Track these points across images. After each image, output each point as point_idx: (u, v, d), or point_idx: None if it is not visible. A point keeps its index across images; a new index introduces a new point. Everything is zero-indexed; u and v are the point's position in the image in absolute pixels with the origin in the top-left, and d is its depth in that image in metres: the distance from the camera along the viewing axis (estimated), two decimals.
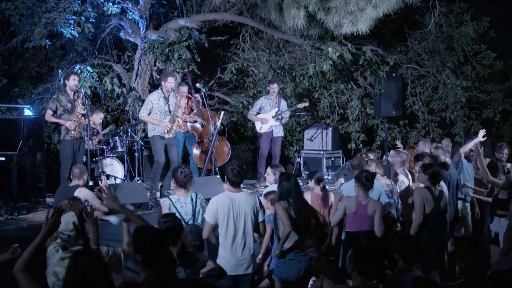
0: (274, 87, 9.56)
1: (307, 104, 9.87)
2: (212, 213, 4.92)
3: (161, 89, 8.33)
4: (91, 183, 7.28)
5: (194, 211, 5.33)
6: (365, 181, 5.69)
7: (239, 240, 4.89)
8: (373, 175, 5.92)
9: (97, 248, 3.72)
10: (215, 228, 5.04)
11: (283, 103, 9.71)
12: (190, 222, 5.28)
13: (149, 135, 8.45)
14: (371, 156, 7.80)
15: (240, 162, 5.41)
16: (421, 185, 6.24)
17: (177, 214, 5.15)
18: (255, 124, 9.71)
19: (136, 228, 3.69)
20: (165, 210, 5.25)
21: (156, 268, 3.52)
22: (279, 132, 9.60)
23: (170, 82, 8.26)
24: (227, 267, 4.87)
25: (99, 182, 6.78)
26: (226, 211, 4.88)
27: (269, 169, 6.60)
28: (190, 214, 5.30)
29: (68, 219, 4.09)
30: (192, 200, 5.36)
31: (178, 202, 5.30)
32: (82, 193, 6.17)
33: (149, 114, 8.22)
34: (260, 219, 5.05)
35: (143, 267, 3.53)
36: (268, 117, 9.51)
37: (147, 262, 3.51)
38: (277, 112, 9.50)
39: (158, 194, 8.37)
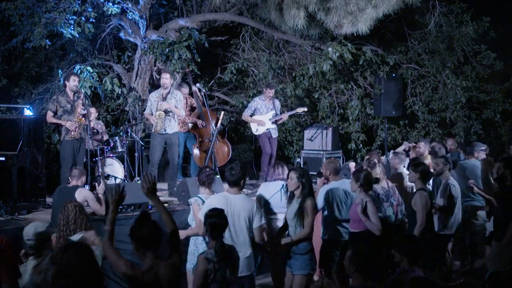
0: (272, 93, 9.53)
1: (305, 109, 9.90)
2: (204, 212, 4.89)
3: (161, 86, 8.49)
4: (87, 187, 7.27)
5: None
6: (363, 181, 5.71)
7: (231, 241, 4.80)
8: (367, 172, 5.92)
9: (111, 229, 3.76)
10: None
11: (277, 103, 9.71)
12: None
13: (151, 132, 8.62)
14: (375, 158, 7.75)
15: (241, 162, 5.35)
16: (412, 184, 6.27)
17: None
18: (251, 126, 9.62)
19: (136, 219, 3.73)
20: (196, 208, 5.30)
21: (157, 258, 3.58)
22: (275, 133, 9.62)
23: (163, 78, 8.41)
24: None
25: (96, 185, 6.76)
26: None
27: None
28: None
29: (33, 226, 4.25)
30: None
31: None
32: (82, 193, 6.17)
33: (152, 112, 8.38)
34: (256, 224, 4.88)
35: (142, 256, 3.57)
36: (265, 119, 9.46)
37: (141, 250, 3.57)
38: (273, 115, 9.49)
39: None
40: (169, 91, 8.38)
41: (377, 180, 6.21)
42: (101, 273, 3.26)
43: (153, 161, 8.39)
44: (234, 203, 4.87)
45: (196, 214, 5.22)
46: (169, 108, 8.25)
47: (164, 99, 8.30)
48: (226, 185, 8.29)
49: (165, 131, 8.30)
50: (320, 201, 6.05)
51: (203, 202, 5.29)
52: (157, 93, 8.45)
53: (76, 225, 4.61)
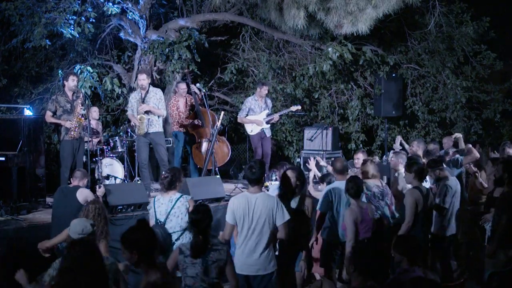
0: (267, 90, 9.54)
1: (299, 107, 9.90)
2: (229, 213, 4.89)
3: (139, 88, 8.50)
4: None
5: (168, 212, 5.42)
6: (352, 190, 5.66)
7: (253, 241, 4.81)
8: (359, 182, 5.81)
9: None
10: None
11: (269, 102, 9.71)
12: (160, 222, 5.40)
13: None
14: (362, 156, 7.75)
15: (260, 160, 5.35)
16: (409, 185, 6.24)
17: (152, 213, 5.46)
18: (246, 127, 9.55)
19: (128, 229, 3.69)
20: (149, 207, 5.59)
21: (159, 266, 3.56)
22: (269, 133, 9.60)
23: (139, 79, 8.40)
24: (241, 266, 4.80)
25: (97, 188, 6.75)
26: (242, 212, 4.82)
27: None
28: (164, 215, 5.43)
29: (83, 222, 4.21)
30: (170, 201, 5.47)
31: (157, 201, 5.53)
32: (83, 194, 6.15)
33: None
34: (278, 222, 4.86)
35: (147, 266, 3.54)
36: (260, 118, 9.47)
37: (145, 257, 3.53)
38: (267, 114, 9.50)
39: (151, 193, 8.40)
40: (147, 91, 8.37)
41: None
42: (105, 270, 3.25)
43: (141, 162, 8.44)
44: (255, 202, 4.84)
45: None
46: (150, 110, 8.27)
47: (143, 100, 8.31)
48: (227, 185, 8.37)
49: (147, 132, 8.32)
50: (321, 203, 6.06)
51: (153, 201, 5.53)
52: (137, 94, 8.46)
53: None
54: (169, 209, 5.41)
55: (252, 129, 9.45)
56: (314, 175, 7.46)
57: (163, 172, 5.74)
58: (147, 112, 8.25)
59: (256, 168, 4.88)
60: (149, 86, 8.41)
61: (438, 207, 6.43)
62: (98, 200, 5.17)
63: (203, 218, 4.28)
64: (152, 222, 5.45)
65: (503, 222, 5.63)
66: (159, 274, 3.53)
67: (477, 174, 7.70)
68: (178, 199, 5.47)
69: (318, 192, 6.73)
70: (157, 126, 8.40)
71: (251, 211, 4.82)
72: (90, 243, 3.36)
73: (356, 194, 5.67)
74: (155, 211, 5.47)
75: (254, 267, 4.81)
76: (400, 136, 9.42)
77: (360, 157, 7.52)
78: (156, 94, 8.43)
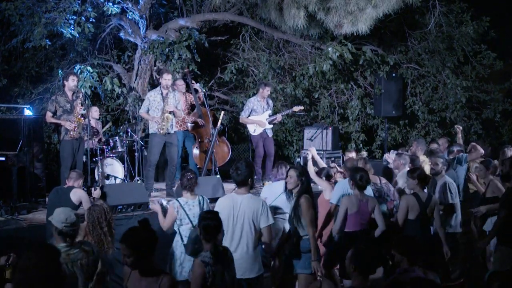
0: (269, 91, 9.53)
1: (302, 107, 9.89)
2: None
3: (160, 86, 8.41)
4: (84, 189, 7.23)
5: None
6: (360, 182, 5.64)
7: (236, 243, 4.79)
8: (368, 176, 5.81)
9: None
10: None
11: (270, 103, 9.70)
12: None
13: (149, 132, 8.54)
14: (351, 155, 7.77)
15: (246, 161, 5.32)
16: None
17: (183, 216, 5.40)
18: (248, 127, 9.52)
19: (132, 229, 3.68)
20: (171, 212, 5.50)
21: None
22: (271, 133, 9.59)
23: (165, 79, 8.32)
24: None
25: (92, 190, 6.73)
26: (227, 213, 4.80)
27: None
28: (198, 216, 5.37)
29: (67, 212, 4.12)
30: (200, 203, 5.54)
31: (186, 204, 5.52)
32: (77, 194, 6.14)
33: (148, 112, 8.32)
34: (263, 225, 4.82)
35: (149, 266, 3.55)
36: (262, 119, 9.46)
37: (149, 258, 3.56)
38: (269, 114, 9.49)
39: (151, 193, 8.38)
40: (168, 91, 8.37)
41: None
42: (61, 275, 3.20)
43: (152, 161, 8.35)
44: (240, 203, 4.83)
45: (167, 215, 5.54)
46: (174, 111, 8.26)
47: (165, 98, 8.29)
48: (227, 185, 8.35)
49: (168, 132, 8.29)
50: (335, 196, 6.04)
51: (180, 205, 5.48)
52: (157, 93, 8.38)
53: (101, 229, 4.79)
54: (200, 211, 5.44)
55: (255, 129, 9.44)
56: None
57: (187, 173, 5.66)
58: (170, 113, 8.23)
59: (242, 169, 4.86)
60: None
61: (447, 205, 6.45)
62: (100, 204, 5.13)
63: (217, 224, 4.19)
64: (187, 225, 5.44)
65: (501, 216, 5.70)
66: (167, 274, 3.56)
67: (476, 181, 7.69)
68: (203, 200, 5.59)
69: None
70: (174, 126, 8.39)
71: (236, 212, 4.81)
72: (49, 248, 3.27)
73: (365, 185, 5.66)
74: (187, 214, 5.45)
75: (240, 270, 4.70)
76: (386, 154, 9.34)
77: (353, 156, 7.56)
78: (175, 95, 8.43)
